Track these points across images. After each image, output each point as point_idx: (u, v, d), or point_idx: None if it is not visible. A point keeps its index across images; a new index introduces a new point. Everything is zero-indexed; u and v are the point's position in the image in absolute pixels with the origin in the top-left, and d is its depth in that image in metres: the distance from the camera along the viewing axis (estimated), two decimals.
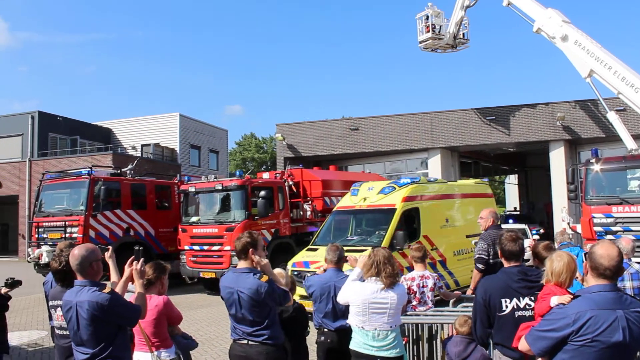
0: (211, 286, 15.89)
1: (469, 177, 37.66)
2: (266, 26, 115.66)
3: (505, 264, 4.56)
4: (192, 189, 16.30)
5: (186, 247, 16.06)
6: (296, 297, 11.38)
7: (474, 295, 5.08)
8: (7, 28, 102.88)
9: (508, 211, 39.28)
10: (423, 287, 6.82)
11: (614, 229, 13.06)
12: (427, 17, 22.71)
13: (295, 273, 11.63)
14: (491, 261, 7.25)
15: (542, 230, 24.49)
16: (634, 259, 6.50)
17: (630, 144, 16.06)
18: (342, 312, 5.41)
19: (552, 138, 23.50)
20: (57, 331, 4.72)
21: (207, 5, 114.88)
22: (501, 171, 40.86)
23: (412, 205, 12.44)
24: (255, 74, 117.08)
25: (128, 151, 36.14)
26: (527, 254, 6.37)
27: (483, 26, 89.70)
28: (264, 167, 63.11)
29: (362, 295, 4.84)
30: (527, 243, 13.32)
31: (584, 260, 3.41)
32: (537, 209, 34.38)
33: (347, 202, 13.52)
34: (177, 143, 37.03)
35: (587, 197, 13.81)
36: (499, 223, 8.06)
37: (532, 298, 4.23)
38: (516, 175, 41.99)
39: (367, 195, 12.90)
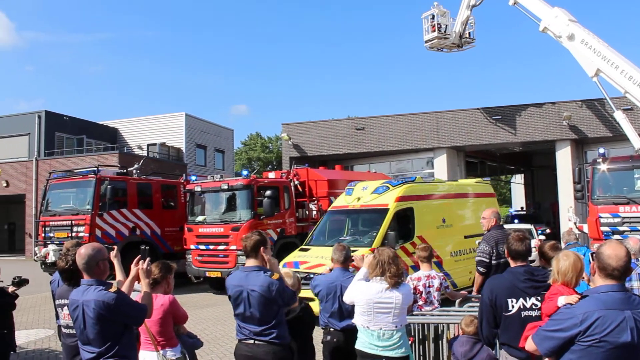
0: (217, 285, 15.91)
1: (475, 176, 37.68)
2: (271, 26, 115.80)
3: (512, 264, 4.54)
4: (198, 189, 16.32)
5: (192, 247, 16.08)
6: None
7: (480, 295, 5.07)
8: (14, 28, 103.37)
9: (515, 211, 39.16)
10: (429, 286, 6.81)
11: (621, 228, 13.02)
12: (433, 17, 22.67)
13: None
14: (494, 262, 7.21)
15: (548, 230, 24.40)
16: None
17: (637, 143, 15.99)
18: (348, 311, 5.40)
19: (559, 137, 23.42)
20: (63, 330, 4.74)
21: (214, 6, 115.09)
22: (507, 171, 40.71)
23: (406, 205, 12.30)
24: (261, 74, 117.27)
25: (134, 151, 36.24)
26: (533, 255, 6.35)
27: (489, 25, 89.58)
28: (270, 166, 63.14)
29: (367, 295, 4.84)
30: (533, 243, 13.27)
31: (591, 260, 3.39)
32: (543, 208, 34.26)
33: (341, 201, 13.42)
34: (183, 142, 37.10)
35: (594, 196, 13.76)
36: (501, 223, 8.00)
37: (539, 298, 4.22)
38: (522, 175, 41.85)
39: (361, 195, 12.78)
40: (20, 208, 32.91)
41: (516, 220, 28.12)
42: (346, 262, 5.85)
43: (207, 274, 15.79)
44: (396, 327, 4.81)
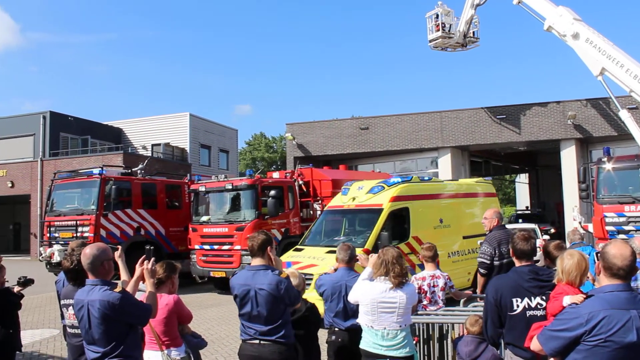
0: (221, 285, 15.93)
1: (479, 176, 37.64)
2: (275, 26, 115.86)
3: (517, 263, 4.53)
4: (202, 189, 16.34)
5: (196, 247, 16.10)
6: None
7: (484, 295, 5.06)
8: (18, 29, 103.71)
9: (520, 210, 39.08)
10: (434, 286, 6.79)
11: (626, 228, 12.99)
12: (437, 16, 22.66)
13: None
14: (496, 263, 7.19)
15: (552, 230, 24.36)
16: None
17: None
18: (353, 311, 5.40)
19: (563, 137, 23.37)
20: (69, 330, 4.75)
21: (217, 6, 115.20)
22: (512, 170, 40.71)
23: (401, 205, 12.14)
24: (265, 74, 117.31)
25: (138, 151, 36.29)
26: (537, 255, 6.33)
27: (493, 24, 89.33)
28: (274, 166, 63.20)
29: (370, 295, 4.83)
30: (537, 243, 13.21)
31: (596, 260, 3.38)
32: (548, 208, 34.21)
33: (337, 201, 13.30)
34: (187, 143, 37.15)
35: (599, 196, 13.74)
36: (503, 223, 7.97)
37: (544, 297, 4.20)
38: (527, 175, 41.79)
39: (356, 194, 12.64)
40: (26, 208, 33.02)
41: (520, 220, 28.08)
42: (351, 262, 5.84)
43: (212, 274, 15.81)
44: (400, 326, 4.80)
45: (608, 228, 13.22)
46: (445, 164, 25.58)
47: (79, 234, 15.66)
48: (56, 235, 16.50)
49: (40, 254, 17.00)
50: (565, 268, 3.95)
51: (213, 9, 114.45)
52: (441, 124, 25.46)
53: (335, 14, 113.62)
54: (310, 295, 6.95)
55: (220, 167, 40.02)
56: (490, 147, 27.72)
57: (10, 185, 32.32)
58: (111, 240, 15.30)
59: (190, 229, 16.40)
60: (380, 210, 11.81)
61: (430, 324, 6.07)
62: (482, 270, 7.29)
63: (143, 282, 4.39)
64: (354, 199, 12.60)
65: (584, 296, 3.41)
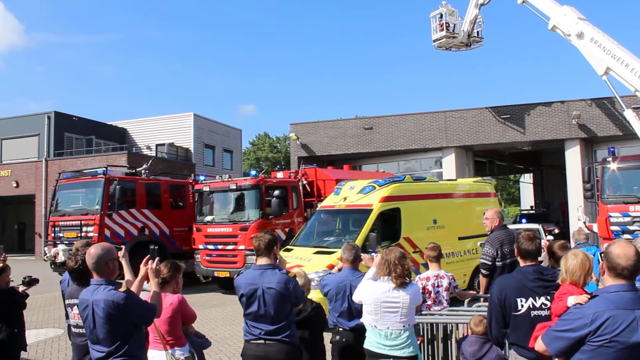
0: (225, 285, 15.94)
1: (483, 176, 37.53)
2: (279, 26, 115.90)
3: (521, 263, 4.52)
4: (206, 189, 16.36)
5: (200, 247, 16.11)
6: None
7: (489, 295, 5.05)
8: (23, 30, 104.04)
9: (524, 210, 39.00)
10: (438, 286, 6.80)
11: (631, 228, 12.94)
12: (441, 16, 22.62)
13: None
14: (498, 264, 7.16)
15: (556, 230, 24.29)
16: None
17: None
18: (357, 311, 5.40)
19: (568, 136, 23.30)
20: (73, 329, 4.76)
21: (221, 6, 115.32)
22: (516, 170, 40.60)
23: (391, 205, 11.91)
24: (269, 74, 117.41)
25: (143, 151, 36.37)
26: (542, 256, 6.31)
27: (497, 24, 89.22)
28: (278, 166, 63.21)
29: (374, 295, 4.84)
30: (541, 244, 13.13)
31: (600, 260, 3.37)
32: (552, 208, 34.12)
33: (329, 201, 13.16)
34: (191, 143, 37.20)
35: (604, 195, 13.70)
36: (504, 223, 7.90)
37: (548, 297, 4.19)
38: (531, 174, 41.68)
39: (347, 194, 12.45)
40: (30, 208, 33.12)
41: (524, 220, 28.00)
42: (355, 262, 5.83)
43: (216, 274, 15.82)
44: (404, 326, 4.80)
45: (613, 228, 13.18)
46: (449, 164, 25.53)
47: (83, 234, 15.70)
48: (61, 235, 16.55)
49: (45, 254, 17.05)
50: (569, 268, 3.94)
51: (216, 9, 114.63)
52: (445, 123, 25.42)
53: (337, 14, 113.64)
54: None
55: (225, 167, 40.05)
56: (495, 147, 27.65)
57: (15, 185, 32.41)
58: (115, 240, 15.34)
59: (195, 228, 16.42)
60: (369, 211, 11.61)
61: (434, 324, 6.07)
62: (484, 272, 7.27)
63: (147, 282, 4.40)
64: (345, 199, 12.42)
65: (589, 296, 3.41)
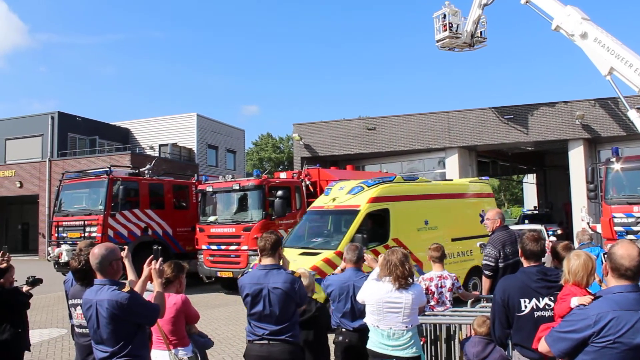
0: (228, 286, 15.95)
1: (487, 176, 37.46)
2: (282, 26, 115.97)
3: (525, 264, 4.51)
4: (209, 189, 16.37)
5: (204, 247, 16.13)
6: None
7: (492, 296, 5.04)
8: (27, 30, 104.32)
9: (527, 210, 38.93)
10: (441, 287, 6.78)
11: (635, 228, 12.92)
12: (445, 16, 22.60)
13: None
14: (501, 265, 7.13)
15: (559, 231, 24.23)
16: None
17: None
18: (360, 311, 5.39)
19: (571, 137, 23.25)
20: (76, 329, 4.77)
21: (224, 7, 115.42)
22: (519, 170, 40.56)
23: (380, 206, 11.73)
24: (272, 74, 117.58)
25: (146, 151, 36.40)
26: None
27: (501, 24, 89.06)
28: (281, 167, 63.23)
29: (376, 295, 4.84)
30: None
31: (603, 261, 3.36)
32: (556, 208, 34.07)
33: (319, 202, 13.08)
34: (194, 143, 37.23)
35: (608, 196, 13.66)
36: (505, 224, 7.82)
37: (552, 298, 4.18)
38: (534, 175, 41.62)
39: (337, 195, 12.32)
40: (34, 208, 33.17)
41: (526, 221, 27.94)
42: (359, 262, 5.82)
43: (219, 274, 15.82)
44: (407, 327, 4.79)
45: (617, 229, 13.15)
46: (452, 164, 25.50)
47: (86, 234, 15.73)
48: (64, 235, 16.58)
49: (49, 254, 17.09)
50: (572, 269, 3.93)
51: (218, 9, 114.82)
52: (448, 124, 25.39)
53: (339, 14, 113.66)
54: None
55: (228, 167, 40.08)
56: (498, 148, 27.61)
57: (18, 185, 32.48)
58: (119, 241, 15.35)
59: (198, 229, 16.44)
60: (357, 212, 11.45)
61: (437, 325, 6.06)
62: (487, 272, 7.24)
63: (151, 282, 4.40)
64: (334, 199, 12.29)
65: (592, 297, 3.40)
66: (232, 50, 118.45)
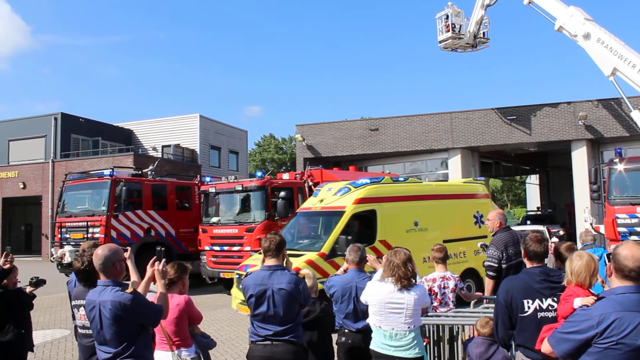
0: (231, 286, 15.92)
1: (489, 177, 37.46)
2: (284, 27, 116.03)
3: (528, 265, 4.51)
4: (212, 190, 16.38)
5: (206, 248, 16.13)
6: (237, 302, 11.04)
7: (495, 297, 5.04)
8: (30, 31, 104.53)
9: (530, 211, 38.88)
10: (444, 288, 6.78)
11: (638, 229, 12.88)
12: (447, 17, 22.61)
13: (237, 276, 11.38)
14: (504, 266, 7.12)
15: (561, 232, 24.18)
16: None
17: None
18: (363, 312, 5.39)
19: (574, 137, 23.21)
20: (80, 330, 4.77)
21: (227, 7, 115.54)
22: (522, 171, 40.47)
23: (366, 207, 11.47)
24: (274, 75, 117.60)
25: (149, 152, 36.46)
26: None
27: (503, 25, 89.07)
28: (284, 167, 63.24)
29: (379, 295, 4.85)
30: None
31: (606, 262, 3.35)
32: (559, 209, 34.02)
33: (307, 203, 12.94)
34: (197, 144, 37.29)
35: (611, 197, 13.64)
36: (507, 225, 7.79)
37: (555, 299, 4.17)
38: (537, 176, 41.56)
39: (324, 196, 12.14)
40: (37, 209, 33.25)
41: (528, 222, 27.89)
42: (361, 263, 5.82)
43: (222, 275, 15.82)
44: (409, 327, 4.79)
45: (620, 229, 13.12)
46: (455, 165, 25.48)
47: (89, 235, 15.74)
48: (67, 236, 16.60)
49: (52, 255, 17.11)
50: (575, 269, 3.92)
51: (219, 10, 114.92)
52: (451, 125, 25.38)
53: (340, 14, 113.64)
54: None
55: (230, 168, 40.14)
56: (501, 148, 27.58)
57: (22, 186, 32.56)
58: (122, 241, 15.38)
59: (200, 230, 16.44)
60: (342, 213, 11.27)
61: (440, 326, 6.05)
62: (491, 273, 7.23)
63: (154, 283, 4.41)
64: (321, 200, 12.12)
65: (595, 298, 3.40)
66: (233, 51, 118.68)
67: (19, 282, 6.51)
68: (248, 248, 14.84)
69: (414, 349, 4.78)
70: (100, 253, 4.13)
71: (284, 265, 4.90)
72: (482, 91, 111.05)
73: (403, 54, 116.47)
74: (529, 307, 4.23)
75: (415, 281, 4.94)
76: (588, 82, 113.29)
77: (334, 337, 5.85)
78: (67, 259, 15.53)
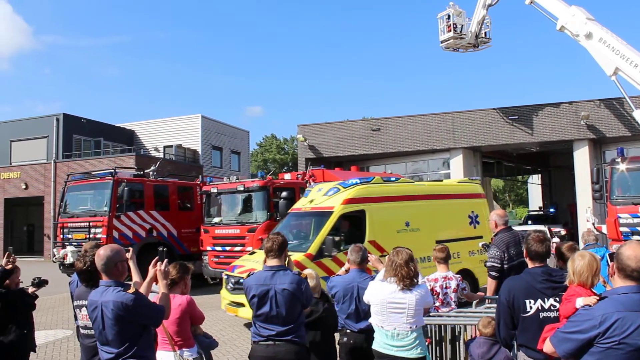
0: None
1: (491, 177, 37.44)
2: (286, 27, 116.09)
3: (530, 265, 4.50)
4: (214, 190, 16.38)
5: (208, 248, 16.14)
6: (226, 302, 11.11)
7: (497, 297, 5.04)
8: (31, 32, 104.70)
9: (532, 211, 38.85)
10: (446, 288, 6.78)
11: None
12: (449, 17, 22.60)
13: (226, 277, 11.38)
14: (505, 266, 7.11)
15: (563, 232, 24.13)
16: None
17: None
18: (365, 312, 5.39)
19: (576, 137, 23.18)
20: (82, 330, 4.78)
21: (227, 7, 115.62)
22: (524, 171, 40.44)
23: (355, 207, 11.30)
24: (276, 75, 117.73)
25: (151, 152, 36.49)
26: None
27: (505, 24, 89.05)
28: (286, 168, 63.25)
29: (380, 295, 4.85)
30: None
31: (608, 261, 3.35)
32: (561, 209, 33.99)
33: (298, 204, 12.87)
34: (199, 144, 37.32)
35: (613, 197, 13.62)
36: (508, 225, 7.76)
37: (557, 299, 4.17)
38: (539, 175, 41.53)
39: (314, 196, 12.05)
40: (39, 210, 33.29)
41: (530, 222, 27.85)
42: (363, 263, 5.82)
43: (224, 275, 15.82)
44: (411, 327, 4.79)
45: (622, 229, 13.10)
46: (457, 165, 25.47)
47: (91, 236, 15.75)
48: (69, 236, 16.62)
49: (54, 255, 17.12)
50: (577, 269, 3.92)
51: (220, 10, 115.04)
52: (453, 124, 25.37)
53: (340, 14, 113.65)
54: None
55: (232, 168, 40.16)
56: (503, 148, 27.56)
57: (24, 187, 32.60)
58: (123, 242, 15.39)
59: (202, 230, 16.45)
60: (330, 213, 11.15)
61: (442, 326, 6.05)
62: (493, 274, 7.22)
63: (156, 284, 4.41)
64: (311, 201, 12.03)
65: (597, 298, 3.39)
66: (233, 51, 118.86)
67: (22, 282, 6.52)
68: (250, 248, 14.84)
69: (416, 349, 4.78)
70: (102, 253, 4.14)
71: (286, 265, 4.91)
72: (483, 91, 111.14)
73: (404, 54, 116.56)
74: (531, 307, 4.23)
75: (418, 281, 4.94)
76: (590, 82, 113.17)
77: (337, 337, 5.85)
78: (69, 260, 15.53)
